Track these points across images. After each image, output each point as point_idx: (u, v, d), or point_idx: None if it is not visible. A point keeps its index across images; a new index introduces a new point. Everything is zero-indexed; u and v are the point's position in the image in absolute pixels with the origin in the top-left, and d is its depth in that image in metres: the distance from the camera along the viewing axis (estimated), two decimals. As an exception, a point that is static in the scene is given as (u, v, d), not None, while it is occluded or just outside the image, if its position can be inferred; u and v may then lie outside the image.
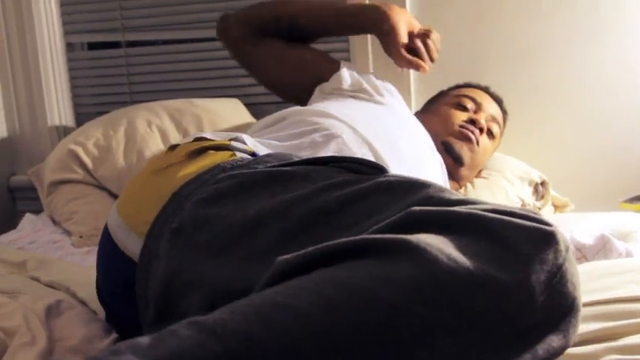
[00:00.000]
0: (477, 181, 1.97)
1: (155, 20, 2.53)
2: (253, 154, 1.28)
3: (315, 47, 1.95)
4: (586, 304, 1.21)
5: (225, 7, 2.41)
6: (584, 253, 1.53)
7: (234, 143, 1.29)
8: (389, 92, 1.82)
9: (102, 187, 2.16)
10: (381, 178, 1.02)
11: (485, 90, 2.02)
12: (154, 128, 2.20)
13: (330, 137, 1.46)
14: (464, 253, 0.80)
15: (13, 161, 2.58)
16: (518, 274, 0.80)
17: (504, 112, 2.02)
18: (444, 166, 1.78)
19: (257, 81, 2.03)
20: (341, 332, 0.74)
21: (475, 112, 1.91)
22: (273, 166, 1.12)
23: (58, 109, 2.59)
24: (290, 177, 1.08)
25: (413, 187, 0.97)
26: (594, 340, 1.13)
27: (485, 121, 1.90)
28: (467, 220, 0.85)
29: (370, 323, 0.75)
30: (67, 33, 2.59)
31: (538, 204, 1.98)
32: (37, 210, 2.27)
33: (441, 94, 2.03)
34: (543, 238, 0.83)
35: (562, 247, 0.84)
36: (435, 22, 2.22)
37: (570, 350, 1.10)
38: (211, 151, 1.24)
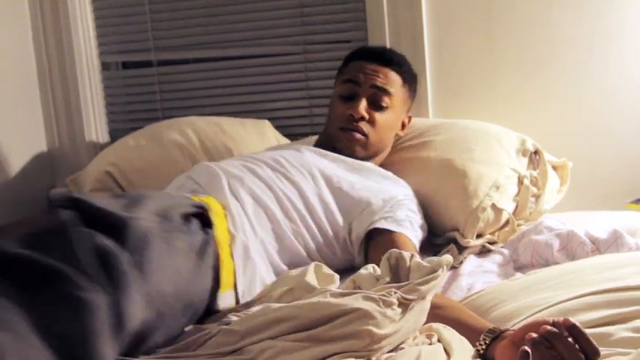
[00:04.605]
0: (475, 151, 2.02)
1: (185, 40, 2.66)
2: None
3: None
4: (600, 292, 1.33)
5: (254, 26, 2.57)
6: (598, 246, 1.65)
7: None
8: None
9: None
10: None
11: (374, 56, 2.03)
12: (187, 156, 2.32)
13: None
14: None
15: (53, 174, 2.71)
16: None
17: (398, 65, 2.02)
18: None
19: None
20: None
21: (355, 97, 1.96)
22: None
23: (95, 124, 2.71)
24: None
25: None
26: (608, 323, 1.25)
27: (368, 98, 1.95)
28: None
29: None
30: (102, 53, 2.72)
31: (535, 173, 2.04)
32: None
33: (340, 72, 2.08)
34: None
35: None
36: (449, 36, 2.41)
37: (588, 331, 1.22)
38: None
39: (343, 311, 1.09)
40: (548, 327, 1.07)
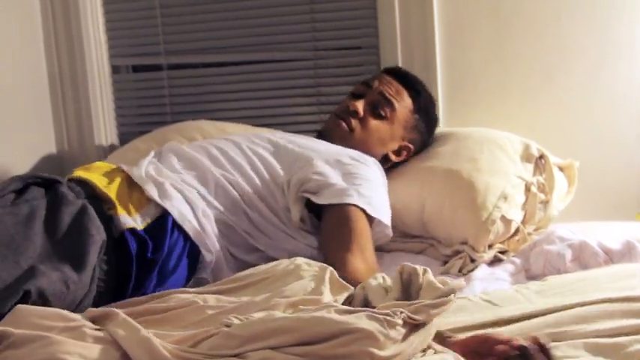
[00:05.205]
0: (480, 160, 2.00)
1: (195, 44, 2.66)
2: None
3: None
4: (613, 300, 1.33)
5: (264, 31, 2.58)
6: (611, 257, 1.64)
7: None
8: None
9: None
10: None
11: (392, 71, 2.10)
12: None
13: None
14: None
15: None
16: None
17: (416, 91, 2.05)
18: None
19: None
20: None
21: (361, 97, 2.02)
22: None
23: (104, 127, 2.71)
24: None
25: None
26: (623, 334, 1.25)
27: (369, 102, 2.00)
28: None
29: None
30: (112, 56, 2.72)
31: (541, 179, 2.03)
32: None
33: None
34: None
35: None
36: (461, 43, 2.41)
37: (601, 341, 1.22)
38: None
39: (346, 330, 1.08)
40: (521, 342, 1.08)
